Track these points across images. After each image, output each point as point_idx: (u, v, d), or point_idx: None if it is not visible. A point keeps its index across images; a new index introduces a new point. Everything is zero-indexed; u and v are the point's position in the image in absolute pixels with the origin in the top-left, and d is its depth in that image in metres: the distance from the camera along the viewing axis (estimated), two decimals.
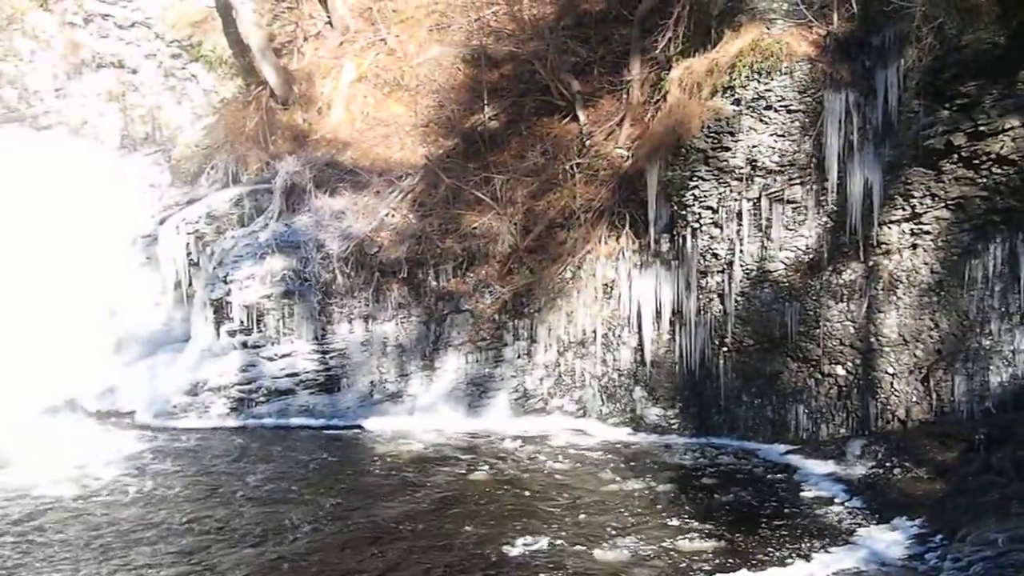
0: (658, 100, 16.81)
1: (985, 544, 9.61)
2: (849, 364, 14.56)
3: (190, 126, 23.16)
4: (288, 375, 17.79)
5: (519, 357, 17.32)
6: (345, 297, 17.98)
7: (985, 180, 13.42)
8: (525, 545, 11.03)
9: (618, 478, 13.60)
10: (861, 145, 14.33)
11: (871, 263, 14.37)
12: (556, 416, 16.85)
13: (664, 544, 11.05)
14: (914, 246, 14.05)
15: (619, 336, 16.70)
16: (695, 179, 15.37)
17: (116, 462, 14.83)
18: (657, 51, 17.51)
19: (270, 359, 17.91)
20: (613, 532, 11.46)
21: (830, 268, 14.68)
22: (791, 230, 14.92)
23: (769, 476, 13.59)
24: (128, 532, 11.68)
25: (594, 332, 16.83)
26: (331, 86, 21.34)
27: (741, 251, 15.27)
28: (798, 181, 14.79)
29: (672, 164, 15.68)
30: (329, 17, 22.48)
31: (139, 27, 23.65)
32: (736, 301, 15.42)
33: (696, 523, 11.67)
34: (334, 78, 21.42)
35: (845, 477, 13.23)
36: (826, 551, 10.77)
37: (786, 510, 12.15)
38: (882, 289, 14.27)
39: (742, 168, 15.01)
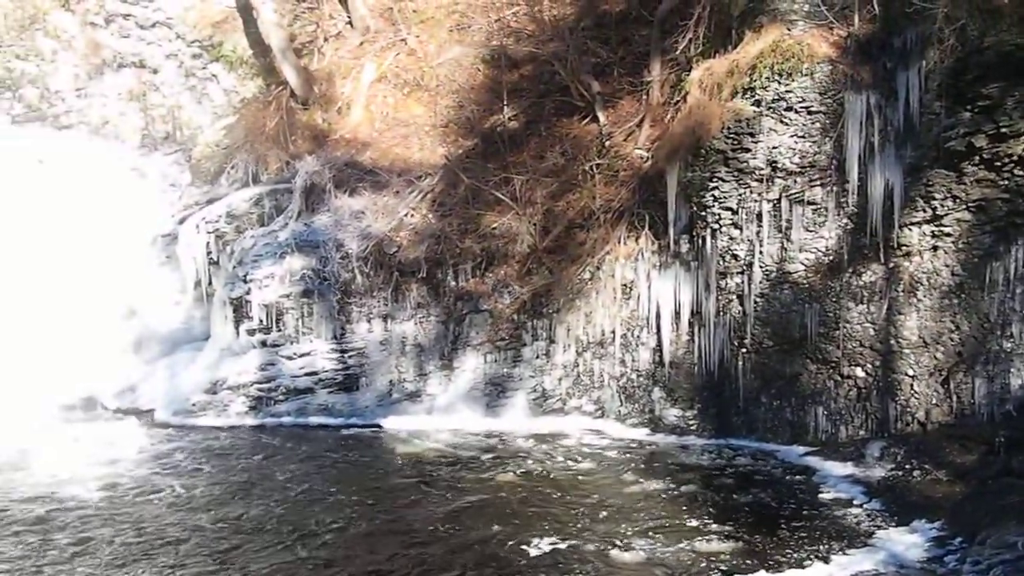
0: (678, 101, 16.77)
1: (1005, 547, 9.58)
2: (869, 366, 14.51)
3: (210, 126, 23.24)
4: (307, 374, 17.83)
5: (537, 357, 17.32)
6: (364, 296, 18.01)
7: (1007, 182, 13.36)
8: (543, 545, 11.02)
9: (636, 479, 13.59)
10: (882, 147, 14.28)
11: (891, 265, 14.32)
12: (574, 416, 16.83)
13: (681, 545, 11.03)
14: (935, 248, 14.00)
15: (638, 337, 16.68)
16: (715, 180, 15.35)
17: (137, 460, 14.90)
18: (677, 52, 17.48)
19: (289, 358, 17.96)
20: (630, 533, 11.45)
21: (850, 270, 14.64)
22: (811, 231, 14.88)
23: (788, 478, 13.55)
24: (152, 532, 11.67)
25: (613, 332, 16.81)
26: (351, 86, 21.38)
27: (761, 252, 15.24)
28: (818, 182, 14.75)
29: (692, 165, 15.66)
30: (349, 17, 22.52)
31: (160, 27, 23.75)
32: (755, 302, 15.38)
33: (714, 524, 11.65)
34: (354, 78, 21.46)
35: (864, 479, 13.18)
36: (844, 553, 10.72)
37: (804, 512, 12.10)
38: (902, 291, 14.22)
39: (762, 169, 14.98)
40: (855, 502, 12.36)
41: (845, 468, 13.65)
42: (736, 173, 15.19)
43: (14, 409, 16.76)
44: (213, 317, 18.98)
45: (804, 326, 14.93)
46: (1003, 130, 13.08)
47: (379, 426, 17.06)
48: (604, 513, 12.16)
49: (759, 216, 15.18)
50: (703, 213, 15.65)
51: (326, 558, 10.87)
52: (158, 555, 10.95)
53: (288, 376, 17.84)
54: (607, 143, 17.92)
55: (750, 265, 15.36)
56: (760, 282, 15.33)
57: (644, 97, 18.02)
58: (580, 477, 13.78)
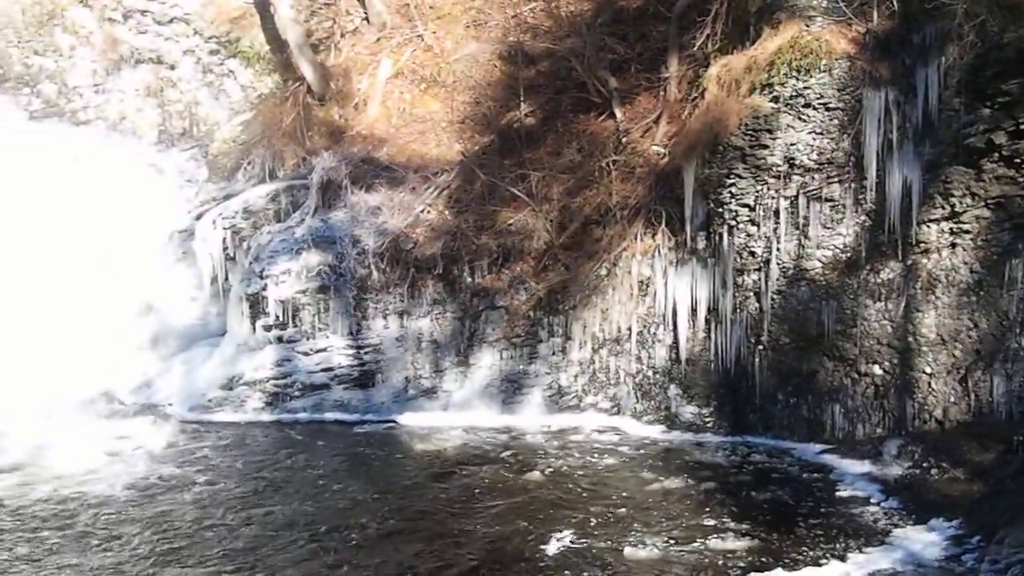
0: (695, 97, 16.72)
1: (1023, 546, 9.52)
2: (886, 363, 14.44)
3: (227, 122, 23.27)
4: (323, 370, 17.86)
5: (553, 354, 17.29)
6: (380, 293, 18.01)
7: None
8: (561, 542, 11.03)
9: (653, 476, 13.56)
10: (900, 143, 14.21)
11: (909, 262, 14.25)
12: (590, 413, 16.80)
13: (696, 543, 11.01)
14: (953, 245, 13.92)
15: (654, 334, 16.64)
16: (732, 177, 15.30)
17: (156, 456, 14.99)
18: (695, 48, 17.42)
19: (305, 354, 17.99)
20: (645, 530, 11.44)
21: (868, 267, 14.57)
22: (829, 228, 14.82)
23: (804, 475, 13.50)
24: (177, 529, 11.73)
25: (629, 329, 16.77)
26: (368, 82, 21.37)
27: (778, 249, 15.18)
28: (836, 179, 14.68)
29: (709, 162, 15.61)
30: (366, 13, 22.52)
31: (177, 23, 23.80)
32: (772, 299, 15.33)
33: (730, 522, 11.62)
34: (371, 74, 21.45)
35: (881, 477, 13.13)
36: (861, 551, 10.69)
37: (821, 510, 12.07)
38: (920, 288, 14.15)
39: (780, 166, 14.92)
40: (872, 500, 12.32)
41: (862, 466, 13.59)
42: (753, 170, 15.13)
43: (32, 404, 16.81)
44: (229, 313, 19.03)
45: (821, 323, 14.86)
46: (1023, 127, 12.99)
47: (395, 422, 17.06)
48: (621, 511, 12.15)
49: (776, 213, 15.12)
50: (720, 210, 15.60)
51: (352, 557, 10.88)
52: (184, 553, 10.96)
53: (304, 372, 17.87)
54: (624, 139, 17.87)
55: (767, 262, 15.31)
56: (777, 279, 15.27)
57: (661, 93, 17.97)
58: (597, 475, 13.77)
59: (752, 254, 15.45)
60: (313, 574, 10.51)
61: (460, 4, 22.53)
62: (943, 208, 13.88)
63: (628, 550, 10.85)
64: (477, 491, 13.09)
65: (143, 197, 21.91)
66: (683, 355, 16.33)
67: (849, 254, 14.74)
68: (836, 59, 14.57)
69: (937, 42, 13.93)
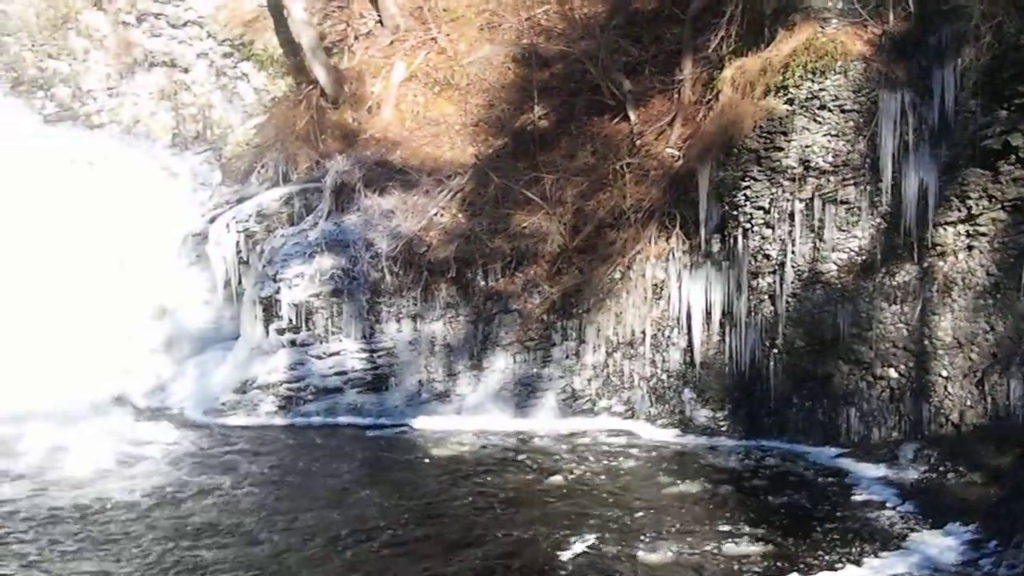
0: (710, 100, 16.68)
1: None
2: (902, 367, 14.36)
3: (241, 125, 23.30)
4: (336, 373, 17.84)
5: (567, 357, 17.25)
6: (393, 296, 17.99)
7: None
8: (576, 547, 10.98)
9: (667, 480, 13.51)
10: (916, 145, 14.15)
11: (925, 265, 14.18)
12: (604, 417, 16.75)
13: (709, 547, 10.94)
14: (970, 248, 13.84)
15: (668, 337, 16.58)
16: (747, 179, 15.24)
17: (171, 459, 14.94)
18: (709, 50, 17.37)
19: (318, 357, 17.98)
20: (659, 534, 11.37)
21: (883, 270, 14.50)
22: (844, 231, 14.75)
23: (819, 479, 13.43)
24: (195, 535, 11.62)
25: (643, 333, 16.71)
26: (381, 85, 21.38)
27: (793, 252, 15.12)
28: (852, 182, 14.62)
29: (724, 164, 15.56)
30: (379, 16, 22.52)
31: (191, 26, 23.83)
32: (787, 302, 15.26)
33: (745, 526, 11.55)
34: (384, 77, 21.45)
35: (897, 481, 13.04)
36: (877, 556, 10.61)
37: (836, 514, 11.98)
38: (936, 291, 14.07)
39: (795, 168, 14.86)
40: (888, 504, 12.23)
41: (878, 470, 13.51)
42: (768, 172, 15.08)
43: (45, 407, 16.82)
44: (243, 316, 19.03)
45: (836, 326, 14.79)
46: None
47: (408, 426, 17.03)
48: (637, 515, 12.09)
49: (791, 215, 15.06)
50: (735, 212, 15.54)
51: (377, 563, 10.80)
52: (205, 560, 10.85)
53: (317, 376, 17.85)
54: (638, 142, 17.83)
55: (782, 265, 15.25)
56: (792, 282, 15.21)
57: (675, 96, 17.91)
58: (612, 479, 13.71)
59: (767, 257, 15.39)
60: None
61: (474, 7, 22.51)
62: (959, 210, 13.80)
63: (641, 554, 10.77)
64: (495, 496, 13.02)
65: (157, 200, 21.95)
66: (697, 358, 16.27)
67: (864, 257, 14.67)
68: (851, 61, 14.52)
69: (953, 43, 13.87)
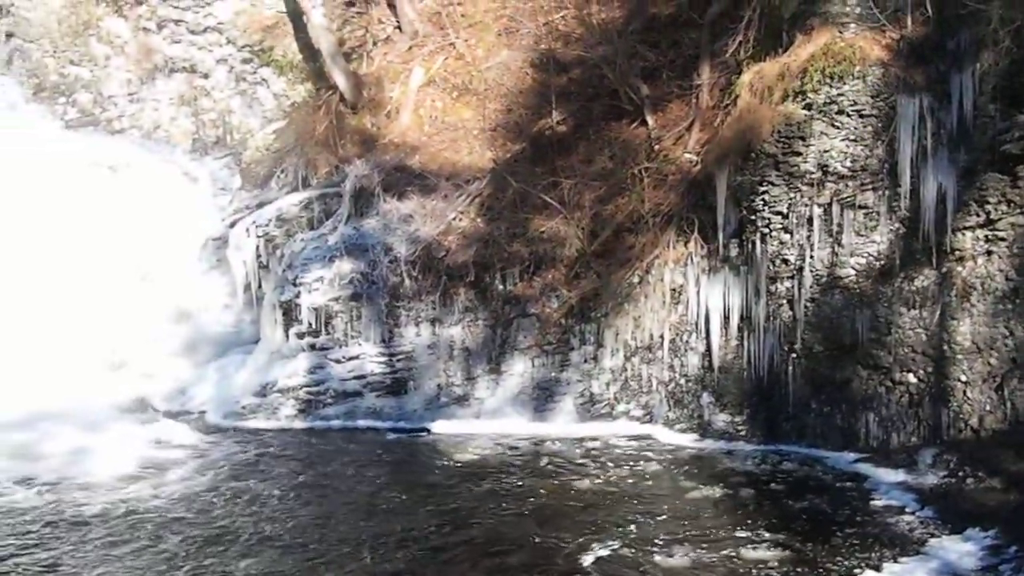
0: (728, 105, 16.67)
1: None
2: (921, 372, 14.34)
3: (260, 130, 23.40)
4: (355, 377, 17.90)
5: (585, 362, 17.27)
6: (412, 300, 18.05)
7: None
8: (597, 553, 11.01)
9: (686, 485, 13.52)
10: (935, 150, 14.13)
11: (944, 270, 14.15)
12: (622, 421, 16.75)
13: (727, 552, 10.95)
14: (989, 252, 13.80)
15: (687, 341, 16.59)
16: (765, 184, 15.25)
17: (195, 463, 15.01)
18: (727, 55, 17.38)
19: (338, 361, 18.05)
20: (676, 539, 11.39)
21: (902, 274, 14.48)
22: (863, 236, 14.74)
23: (838, 484, 13.41)
24: (223, 541, 11.61)
25: (661, 337, 16.71)
26: (400, 90, 21.44)
27: (811, 257, 15.11)
28: (870, 186, 14.61)
29: (742, 169, 15.57)
30: (398, 22, 22.59)
31: (211, 32, 23.95)
32: (806, 307, 15.25)
33: (764, 531, 11.55)
34: (403, 82, 21.51)
35: (916, 486, 13.01)
36: (896, 561, 10.60)
37: (855, 519, 11.97)
38: (955, 296, 14.04)
39: (813, 173, 14.86)
40: (907, 510, 12.21)
41: (897, 475, 13.47)
42: (786, 177, 15.08)
43: (67, 411, 16.93)
44: (263, 320, 19.12)
45: (855, 331, 14.77)
46: None
47: (427, 430, 17.07)
48: (657, 520, 12.10)
49: (810, 220, 15.05)
50: (753, 217, 15.55)
51: (413, 570, 10.83)
52: (237, 569, 10.94)
53: (337, 379, 17.92)
54: (656, 147, 17.85)
55: (800, 270, 15.24)
56: (811, 287, 15.19)
57: (693, 100, 17.92)
58: (632, 484, 13.72)
59: (785, 262, 15.38)
60: None
61: (492, 12, 22.55)
62: (978, 215, 13.78)
63: (658, 558, 10.81)
64: (521, 501, 13.06)
65: (177, 205, 22.07)
66: (716, 363, 16.27)
67: (883, 262, 14.65)
68: (870, 66, 14.51)
69: (972, 48, 13.85)
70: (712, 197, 16.21)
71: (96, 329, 19.28)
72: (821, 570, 10.40)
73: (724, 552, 10.95)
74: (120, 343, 19.47)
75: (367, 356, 18.00)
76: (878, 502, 12.54)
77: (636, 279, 16.86)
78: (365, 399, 17.80)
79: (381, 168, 19.52)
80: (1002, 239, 13.69)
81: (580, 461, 14.86)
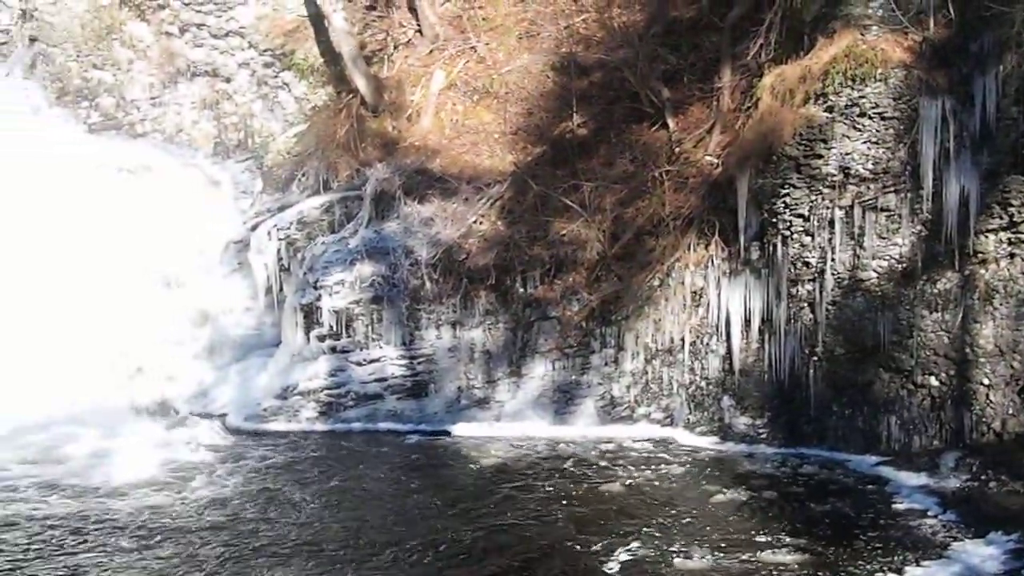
0: (749, 107, 16.66)
1: None
2: (943, 375, 14.28)
3: (282, 133, 23.45)
4: (376, 380, 17.95)
5: (606, 364, 17.26)
6: (433, 303, 18.07)
7: None
8: (620, 557, 11.01)
9: (706, 488, 13.52)
10: (957, 153, 14.09)
11: (967, 272, 14.10)
12: (643, 424, 16.74)
13: (746, 555, 10.96)
14: (1012, 255, 13.74)
15: (707, 344, 16.57)
16: (786, 187, 15.22)
17: (216, 466, 15.05)
18: (748, 58, 17.35)
19: (359, 364, 18.09)
20: (696, 542, 11.40)
21: (924, 277, 14.43)
22: (884, 239, 14.70)
23: (860, 488, 13.39)
24: (252, 547, 11.63)
25: (682, 340, 16.70)
26: (421, 94, 21.47)
27: (833, 260, 15.07)
28: (892, 189, 14.57)
29: (763, 172, 15.54)
30: (419, 26, 22.62)
31: (233, 36, 24.01)
32: (827, 310, 15.21)
33: (784, 535, 11.55)
34: (424, 86, 21.54)
35: (938, 490, 12.98)
36: (919, 565, 10.58)
37: (877, 522, 11.95)
38: (978, 299, 13.98)
39: (835, 176, 14.83)
40: (929, 513, 12.19)
41: (919, 478, 13.45)
42: (808, 180, 15.04)
43: (89, 413, 17.02)
44: (284, 323, 19.18)
45: (877, 334, 14.73)
46: None
47: (448, 433, 17.10)
48: (670, 521, 12.12)
49: (831, 223, 15.02)
50: (774, 220, 15.52)
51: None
52: (265, 569, 10.94)
53: (357, 382, 17.96)
54: (677, 150, 17.83)
55: (822, 272, 15.21)
56: (832, 289, 15.16)
57: (714, 103, 17.90)
58: (648, 485, 13.73)
59: (806, 264, 15.35)
60: None
61: (513, 16, 22.57)
62: (1001, 218, 13.72)
63: (678, 561, 10.84)
64: (543, 503, 13.08)
65: (199, 208, 22.12)
66: (736, 366, 16.25)
67: (905, 264, 14.61)
68: (892, 68, 14.47)
69: (995, 50, 13.81)
70: (733, 200, 16.21)
71: (118, 332, 19.35)
72: (843, 574, 10.39)
73: (745, 555, 10.94)
74: (142, 346, 19.53)
75: (388, 359, 18.04)
76: (900, 505, 12.51)
77: (657, 282, 16.85)
78: (386, 402, 17.84)
79: (402, 171, 19.56)
80: None
81: (602, 464, 14.86)
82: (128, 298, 19.87)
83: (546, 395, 17.38)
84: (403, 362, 18.01)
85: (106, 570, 11.00)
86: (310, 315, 18.44)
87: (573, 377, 17.34)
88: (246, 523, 12.46)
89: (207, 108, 23.98)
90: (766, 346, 15.99)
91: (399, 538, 11.82)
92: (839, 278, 15.07)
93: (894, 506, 12.51)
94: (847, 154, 14.68)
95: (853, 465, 14.38)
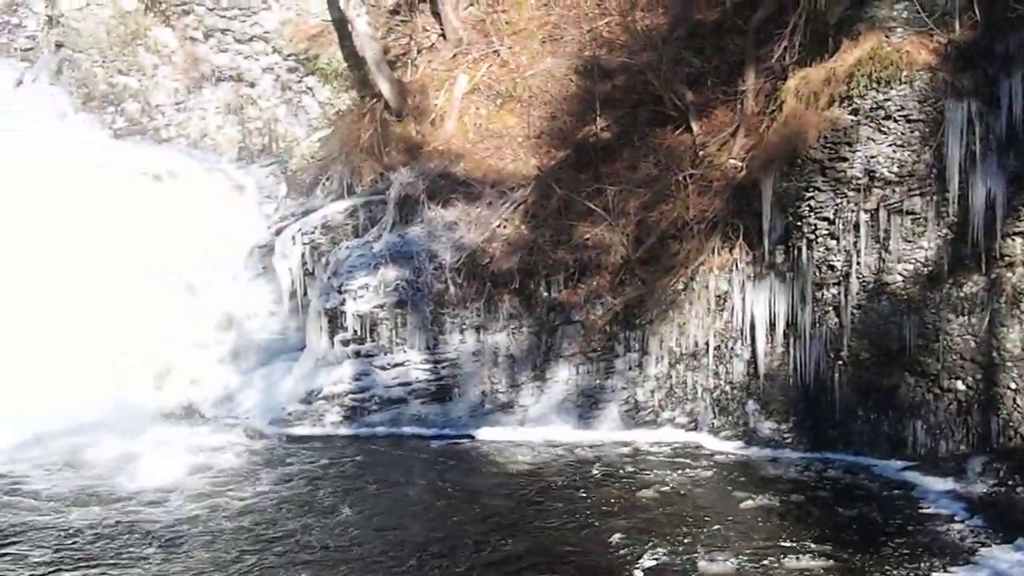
0: (773, 110, 16.60)
1: None
2: (969, 379, 14.20)
3: (306, 138, 23.52)
4: (400, 384, 17.95)
5: (630, 369, 17.22)
6: (457, 307, 18.07)
7: None
8: (644, 560, 10.99)
9: (731, 492, 13.49)
10: (983, 155, 14.00)
11: (993, 276, 14.02)
12: (667, 429, 16.71)
13: (771, 560, 10.92)
14: None
15: (732, 348, 16.51)
16: (811, 190, 15.16)
17: (242, 470, 15.10)
18: (772, 61, 17.28)
19: (383, 368, 18.10)
20: (719, 546, 11.40)
21: (950, 281, 14.35)
22: (910, 242, 14.62)
23: (885, 493, 13.33)
24: (284, 553, 11.65)
25: (706, 344, 16.65)
26: (444, 98, 21.48)
27: (858, 263, 15.00)
28: (917, 192, 14.49)
29: (787, 175, 15.49)
30: (442, 30, 22.63)
31: (257, 41, 24.09)
32: (852, 314, 15.14)
33: (809, 540, 11.51)
34: (447, 90, 21.55)
35: (965, 495, 12.92)
36: (946, 570, 10.54)
37: (904, 527, 11.91)
38: (1005, 302, 13.91)
39: (860, 179, 14.76)
40: (956, 518, 12.13)
41: (945, 483, 13.39)
42: (833, 183, 14.98)
43: (114, 417, 17.07)
44: (308, 327, 19.21)
45: (902, 338, 14.66)
46: None
47: (472, 437, 17.10)
48: (695, 526, 12.10)
49: (856, 226, 14.95)
50: (799, 223, 15.46)
51: None
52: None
53: (382, 386, 17.98)
54: (701, 153, 17.77)
55: (847, 276, 15.14)
56: (857, 293, 15.09)
57: (738, 106, 17.84)
58: (672, 490, 13.71)
59: (831, 268, 15.29)
60: None
61: (536, 19, 22.55)
62: None
63: (702, 564, 10.87)
64: (570, 508, 13.11)
65: (224, 213, 22.20)
66: (761, 370, 16.19)
67: (931, 268, 14.53)
68: (917, 71, 14.39)
69: (1020, 52, 13.75)
70: (757, 203, 16.14)
71: (143, 336, 19.43)
72: None
73: (770, 560, 10.91)
74: (167, 350, 19.60)
75: (412, 363, 18.04)
76: (926, 510, 12.46)
77: (681, 286, 16.81)
78: (410, 406, 17.85)
79: (425, 175, 19.56)
80: None
81: (628, 469, 14.85)
82: (152, 302, 19.94)
83: (570, 399, 17.36)
84: (427, 366, 18.01)
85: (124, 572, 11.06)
86: (334, 319, 18.45)
87: (597, 381, 17.31)
88: (278, 529, 12.47)
89: (231, 113, 24.07)
90: (791, 350, 15.93)
91: (436, 544, 11.86)
92: (864, 282, 15.00)
93: (920, 511, 12.46)
94: (872, 157, 14.61)
95: (879, 470, 14.32)
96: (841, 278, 15.21)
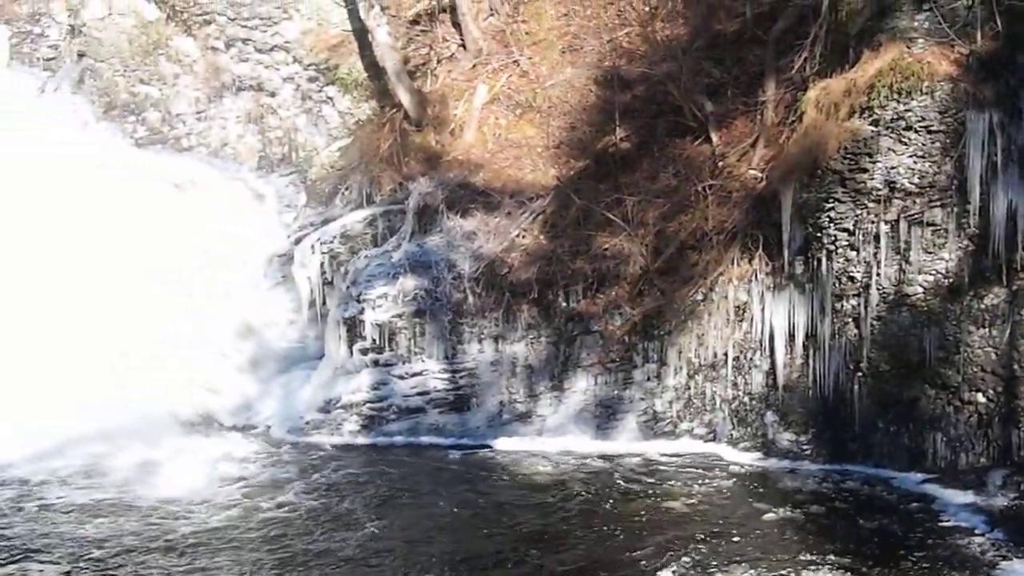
0: (793, 121, 16.56)
1: None
2: (990, 391, 14.13)
3: (326, 147, 23.57)
4: (418, 393, 17.95)
5: (648, 379, 17.19)
6: (475, 317, 18.08)
7: None
8: (654, 571, 10.97)
9: (750, 504, 13.45)
10: (1005, 166, 13.94)
11: (1015, 287, 13.95)
12: (685, 440, 16.66)
13: (790, 573, 10.87)
14: None
15: (751, 359, 16.47)
16: (831, 201, 15.11)
17: (263, 479, 15.09)
18: (793, 71, 17.24)
19: (401, 377, 18.11)
20: (737, 559, 11.34)
21: (971, 292, 14.29)
22: (930, 253, 14.56)
23: (905, 505, 13.27)
24: (311, 566, 11.61)
25: (725, 355, 16.60)
26: (464, 108, 21.50)
27: (878, 274, 14.95)
28: (938, 203, 14.44)
29: (807, 186, 15.45)
30: (462, 40, 22.68)
31: (278, 51, 24.18)
32: (872, 325, 15.09)
33: (828, 553, 11.45)
34: (467, 100, 21.58)
35: (986, 508, 12.85)
36: None
37: (923, 541, 11.84)
38: None
39: (880, 190, 14.71)
40: (977, 531, 12.05)
41: (965, 496, 13.31)
42: (853, 194, 14.94)
43: (133, 425, 17.12)
44: (327, 336, 19.24)
45: (923, 350, 14.59)
46: None
47: (490, 447, 17.08)
48: (723, 541, 12.04)
49: (876, 237, 14.90)
50: (819, 234, 15.42)
51: None
52: None
53: (400, 395, 17.99)
54: (720, 163, 17.75)
55: (867, 287, 15.08)
56: (877, 305, 15.03)
57: (758, 117, 17.82)
58: (691, 502, 13.67)
59: (851, 279, 15.23)
60: None
61: (556, 30, 22.57)
62: None
63: None
64: (589, 519, 13.10)
65: (243, 222, 22.29)
66: (780, 381, 16.14)
67: (952, 279, 14.47)
68: (938, 81, 14.34)
69: None
70: (777, 214, 16.10)
71: (162, 344, 19.48)
72: None
73: (788, 572, 10.86)
74: (185, 358, 19.65)
75: (430, 372, 18.05)
76: (946, 523, 12.39)
77: (700, 296, 16.77)
78: (428, 415, 17.85)
79: (445, 185, 19.59)
80: None
81: (648, 480, 14.81)
82: (172, 311, 20.01)
83: (588, 410, 17.33)
84: (445, 376, 18.02)
85: None
86: (353, 328, 18.48)
87: (615, 392, 17.28)
88: (306, 541, 12.41)
89: (252, 122, 24.16)
90: (810, 361, 15.88)
91: (467, 558, 11.84)
92: (884, 293, 14.95)
93: (940, 524, 12.39)
94: (893, 168, 14.57)
95: (898, 482, 14.24)
96: (861, 289, 15.16)
